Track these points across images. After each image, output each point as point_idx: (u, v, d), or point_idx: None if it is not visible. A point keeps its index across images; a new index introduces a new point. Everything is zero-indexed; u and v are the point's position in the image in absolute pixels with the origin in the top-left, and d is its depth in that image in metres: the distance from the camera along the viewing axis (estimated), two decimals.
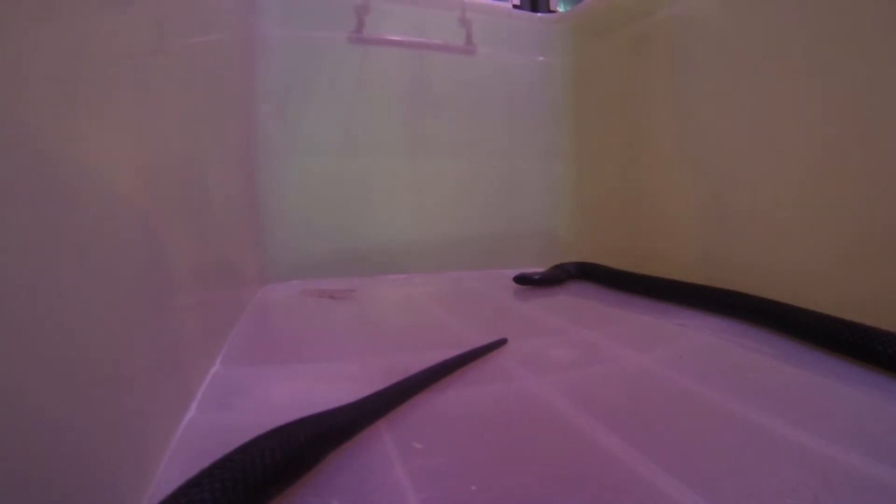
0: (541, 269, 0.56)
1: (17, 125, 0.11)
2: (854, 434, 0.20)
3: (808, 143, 0.37)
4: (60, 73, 0.14)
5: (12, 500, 0.10)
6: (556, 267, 0.57)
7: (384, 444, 0.20)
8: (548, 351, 0.32)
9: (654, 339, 0.35)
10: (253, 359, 0.31)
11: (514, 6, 0.77)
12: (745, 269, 0.43)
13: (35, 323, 0.12)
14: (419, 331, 0.39)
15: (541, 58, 0.70)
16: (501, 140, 0.69)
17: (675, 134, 0.51)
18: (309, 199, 0.60)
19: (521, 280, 0.53)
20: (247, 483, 0.13)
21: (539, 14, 0.73)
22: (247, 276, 0.46)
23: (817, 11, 0.36)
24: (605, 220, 0.65)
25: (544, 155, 0.71)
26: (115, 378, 0.16)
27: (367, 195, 0.63)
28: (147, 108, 0.21)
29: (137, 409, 0.17)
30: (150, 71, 0.21)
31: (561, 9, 0.80)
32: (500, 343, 0.30)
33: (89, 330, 0.14)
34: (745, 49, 0.42)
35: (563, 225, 0.72)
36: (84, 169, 0.15)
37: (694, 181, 0.49)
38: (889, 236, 0.32)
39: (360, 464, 0.18)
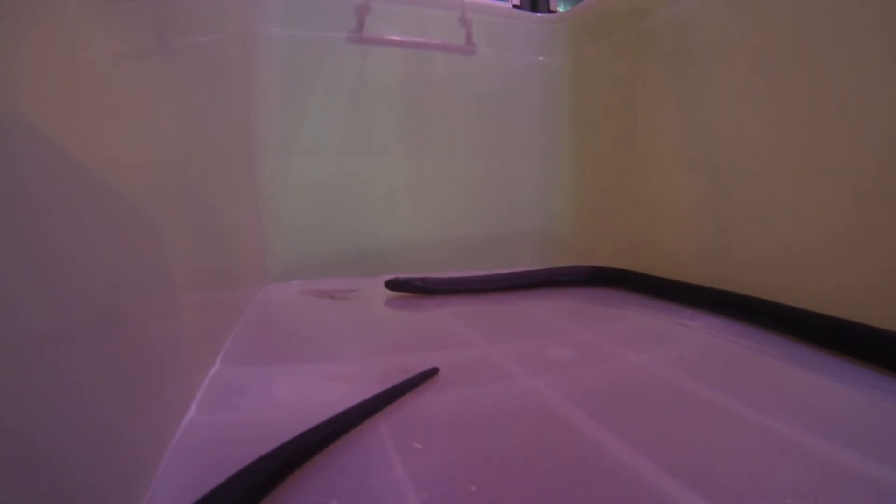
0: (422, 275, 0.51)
1: (17, 125, 0.11)
2: (854, 434, 0.20)
3: (810, 143, 0.37)
4: (60, 73, 0.14)
5: (14, 500, 0.10)
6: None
7: (384, 444, 0.20)
8: (547, 350, 0.32)
9: (654, 339, 0.35)
10: (253, 359, 0.31)
11: (514, 6, 0.77)
12: (744, 268, 0.43)
13: (34, 323, 0.12)
14: (419, 331, 0.39)
15: (541, 58, 0.70)
16: (501, 140, 0.69)
17: (675, 134, 0.51)
18: (309, 199, 0.60)
19: (393, 285, 0.48)
20: None
21: (539, 14, 0.73)
22: (247, 276, 0.46)
23: (822, 10, 0.36)
24: (604, 220, 0.65)
25: (544, 154, 0.71)
26: (114, 379, 0.16)
27: (367, 195, 0.63)
28: (147, 108, 0.21)
29: (137, 409, 0.17)
30: (150, 70, 0.21)
31: (561, 9, 0.80)
32: (431, 373, 0.26)
33: (88, 331, 0.14)
34: (746, 49, 0.42)
35: (562, 224, 0.72)
36: (84, 168, 0.15)
37: (694, 181, 0.49)
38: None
39: (360, 464, 0.18)
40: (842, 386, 0.25)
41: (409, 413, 0.23)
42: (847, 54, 0.34)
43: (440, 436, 0.21)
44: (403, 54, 0.62)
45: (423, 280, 0.49)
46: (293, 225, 0.59)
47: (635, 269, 0.52)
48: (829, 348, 0.29)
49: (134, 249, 0.18)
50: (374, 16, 0.60)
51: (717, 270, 0.45)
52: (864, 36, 0.33)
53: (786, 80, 0.39)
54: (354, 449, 0.19)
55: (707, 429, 0.21)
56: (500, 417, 0.23)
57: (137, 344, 0.18)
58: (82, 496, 0.13)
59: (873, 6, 0.32)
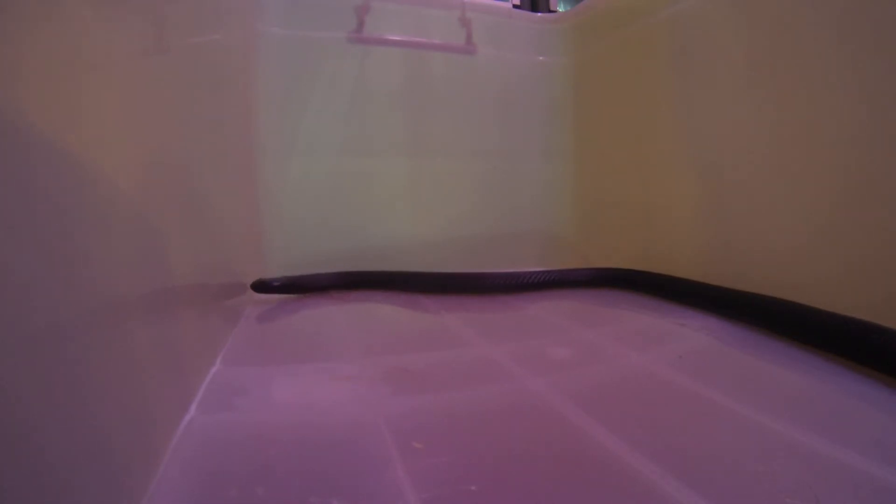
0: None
1: (17, 124, 0.11)
2: (854, 434, 0.20)
3: (810, 143, 0.37)
4: (61, 73, 0.14)
5: (17, 499, 0.10)
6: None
7: (384, 444, 0.20)
8: (547, 350, 0.32)
9: (654, 339, 0.35)
10: (253, 359, 0.31)
11: (514, 6, 0.76)
12: (744, 268, 0.43)
13: (34, 323, 0.12)
14: (419, 331, 0.39)
15: (541, 58, 0.70)
16: (502, 140, 0.69)
17: (676, 133, 0.51)
18: (309, 199, 0.60)
19: (259, 287, 0.45)
20: None
21: (539, 14, 0.73)
22: (247, 276, 0.46)
23: (820, 11, 0.36)
24: (605, 220, 0.65)
25: (544, 155, 0.71)
26: (115, 378, 0.16)
27: (367, 195, 0.63)
28: (147, 108, 0.21)
29: (138, 409, 0.17)
30: (150, 70, 0.21)
31: (561, 9, 0.80)
32: None
33: (89, 330, 0.14)
34: (746, 49, 0.42)
35: (563, 225, 0.72)
36: (84, 169, 0.15)
37: (695, 181, 0.49)
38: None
39: (360, 464, 0.18)
40: (841, 386, 0.25)
41: (409, 413, 0.23)
42: (840, 58, 0.34)
43: (440, 436, 0.21)
44: (403, 54, 0.62)
45: (281, 280, 0.48)
46: (293, 225, 0.59)
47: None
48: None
49: (134, 249, 0.18)
50: (374, 15, 0.60)
51: (717, 270, 0.45)
52: (857, 40, 0.33)
53: (784, 81, 0.39)
54: (354, 449, 0.19)
55: (707, 429, 0.21)
56: (501, 417, 0.23)
57: (137, 343, 0.18)
58: (81, 496, 0.13)
59: (870, 8, 0.32)
